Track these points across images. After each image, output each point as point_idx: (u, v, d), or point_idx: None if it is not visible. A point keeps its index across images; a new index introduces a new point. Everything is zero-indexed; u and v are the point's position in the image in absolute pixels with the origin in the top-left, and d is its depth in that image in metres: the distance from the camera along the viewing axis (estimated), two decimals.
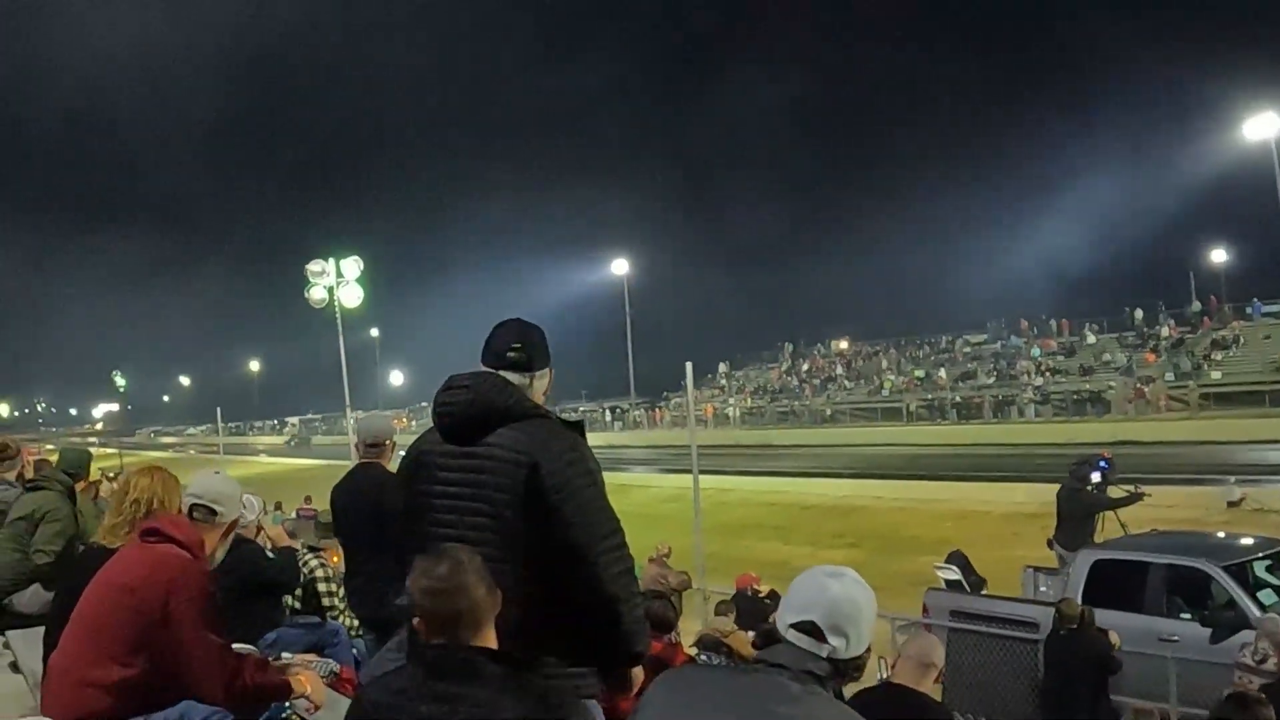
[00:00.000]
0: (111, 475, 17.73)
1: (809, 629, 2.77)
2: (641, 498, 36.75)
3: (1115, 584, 12.41)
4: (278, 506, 27.37)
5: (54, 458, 10.06)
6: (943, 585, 15.85)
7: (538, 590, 3.27)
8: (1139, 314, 60.84)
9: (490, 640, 2.92)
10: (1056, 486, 16.07)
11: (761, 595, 15.98)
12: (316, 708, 4.43)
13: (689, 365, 19.03)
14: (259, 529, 7.20)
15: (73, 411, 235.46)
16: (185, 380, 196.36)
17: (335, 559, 7.99)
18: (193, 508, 4.48)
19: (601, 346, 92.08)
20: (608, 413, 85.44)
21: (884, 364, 72.52)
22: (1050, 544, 15.60)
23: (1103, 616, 11.29)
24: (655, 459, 54.67)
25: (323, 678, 4.64)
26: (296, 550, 7.65)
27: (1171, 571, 12.32)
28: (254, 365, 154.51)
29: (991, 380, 61.50)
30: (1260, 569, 12.27)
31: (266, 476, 58.01)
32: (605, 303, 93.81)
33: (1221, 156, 59.53)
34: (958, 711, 11.15)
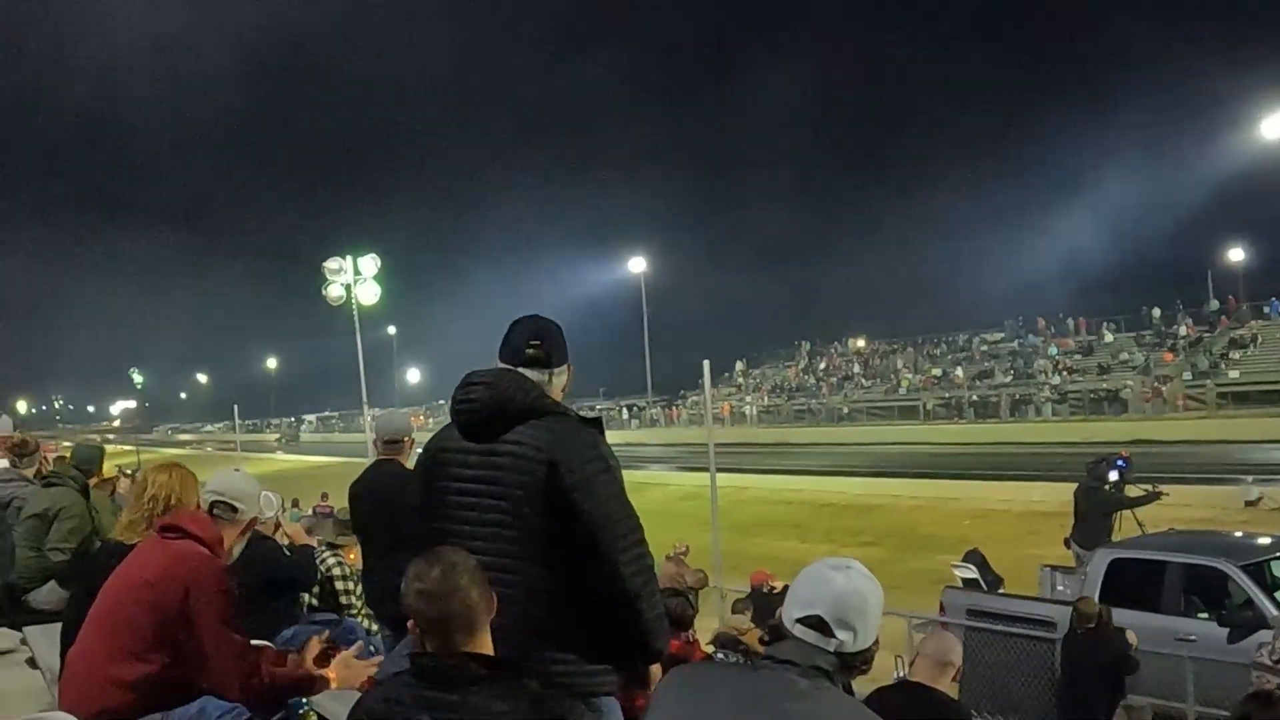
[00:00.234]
0: (129, 472, 17.79)
1: (815, 623, 2.74)
2: (658, 496, 36.76)
3: (1132, 583, 12.39)
4: (294, 504, 27.46)
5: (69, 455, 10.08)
6: (960, 584, 15.84)
7: (557, 587, 3.26)
8: (1156, 313, 60.65)
9: (485, 643, 2.90)
10: (1074, 485, 16.07)
11: (776, 591, 15.95)
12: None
13: (706, 363, 19.04)
14: (277, 526, 7.23)
15: (90, 409, 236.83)
16: (202, 378, 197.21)
17: (352, 556, 8.00)
18: (213, 504, 4.49)
19: (618, 344, 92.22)
20: (625, 411, 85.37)
21: (901, 362, 72.40)
22: (1067, 543, 15.59)
23: (1120, 616, 11.26)
24: (672, 457, 54.75)
25: (360, 659, 4.58)
26: (313, 549, 7.67)
27: (1189, 571, 12.30)
28: (271, 363, 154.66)
29: (1009, 379, 61.35)
30: (1278, 569, 12.24)
31: (285, 473, 58.19)
32: (622, 300, 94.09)
33: (1240, 155, 59.53)
34: (975, 710, 11.13)
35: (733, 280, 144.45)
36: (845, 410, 68.32)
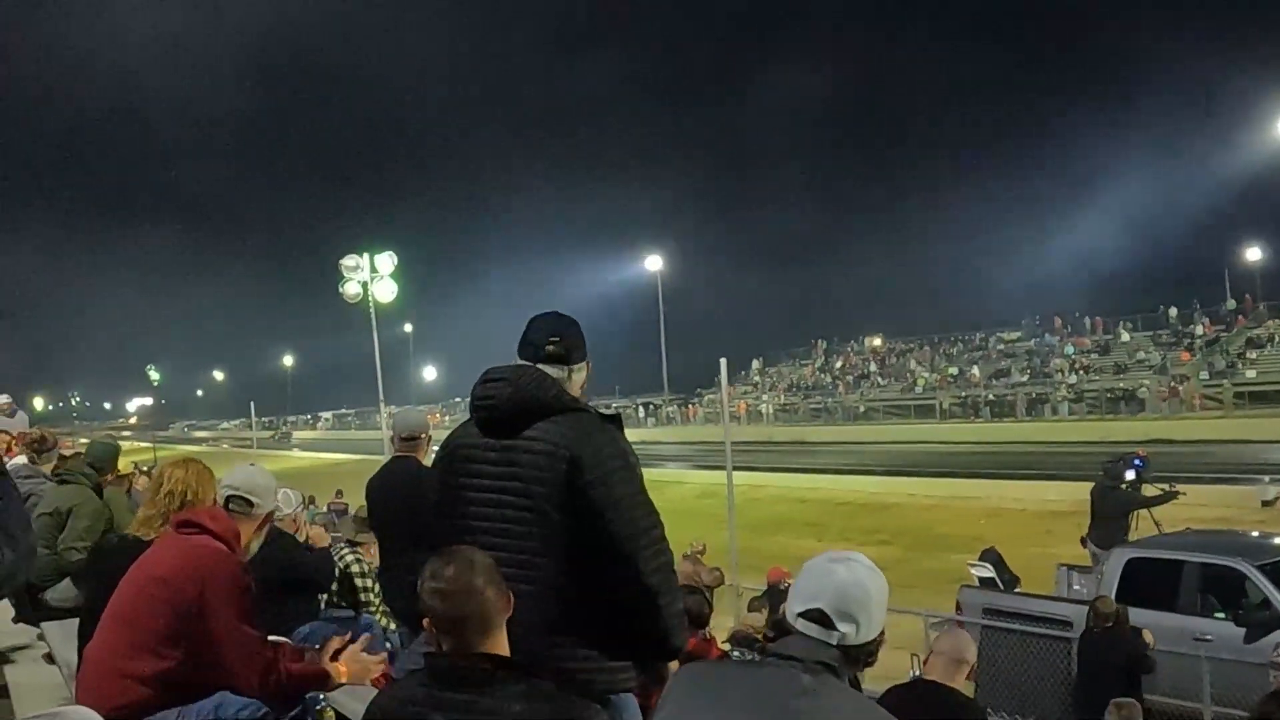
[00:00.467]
0: (146, 468, 17.83)
1: (817, 617, 2.75)
2: (675, 494, 36.69)
3: (1149, 583, 12.36)
4: (310, 501, 27.47)
5: None
6: (976, 582, 15.82)
7: (577, 584, 3.26)
8: (1173, 312, 60.56)
9: (501, 643, 2.90)
10: (1090, 484, 16.05)
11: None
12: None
13: (723, 361, 19.06)
14: (297, 524, 7.24)
15: (107, 405, 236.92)
16: (219, 375, 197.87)
17: (371, 553, 8.01)
18: (229, 499, 4.49)
19: (635, 343, 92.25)
20: (641, 409, 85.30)
21: (917, 361, 72.38)
22: (1084, 542, 15.57)
23: (1136, 615, 11.24)
24: (689, 455, 54.70)
25: (371, 654, 4.58)
26: (332, 551, 7.69)
27: (1206, 570, 12.27)
28: (288, 360, 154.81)
29: (1025, 378, 61.31)
30: None
31: (302, 470, 58.24)
32: (639, 299, 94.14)
33: (1257, 154, 59.39)
34: (991, 709, 11.12)
35: (749, 279, 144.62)
36: (861, 409, 68.37)
